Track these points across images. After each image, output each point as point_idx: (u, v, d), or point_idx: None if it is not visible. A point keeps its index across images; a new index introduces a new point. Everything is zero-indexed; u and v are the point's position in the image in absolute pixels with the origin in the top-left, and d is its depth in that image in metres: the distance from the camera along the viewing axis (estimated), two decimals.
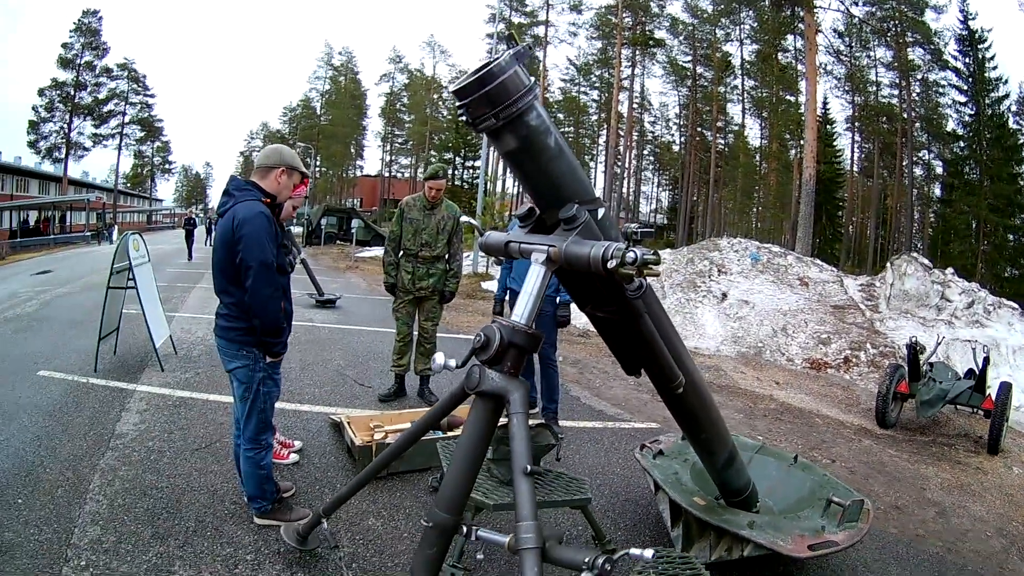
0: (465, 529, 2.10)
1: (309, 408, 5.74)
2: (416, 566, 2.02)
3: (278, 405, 3.81)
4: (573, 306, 3.08)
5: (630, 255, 1.77)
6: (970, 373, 7.12)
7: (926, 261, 13.79)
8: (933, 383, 6.77)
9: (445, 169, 5.99)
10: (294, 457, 4.51)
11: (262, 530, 3.48)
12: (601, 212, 2.09)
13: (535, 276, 2.03)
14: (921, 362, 6.94)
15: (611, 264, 1.79)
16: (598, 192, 56.63)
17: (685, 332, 11.24)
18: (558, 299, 5.35)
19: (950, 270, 13.60)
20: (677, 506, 3.41)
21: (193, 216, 25.26)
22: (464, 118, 1.95)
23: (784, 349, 10.81)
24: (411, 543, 3.47)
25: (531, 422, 3.19)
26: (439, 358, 2.12)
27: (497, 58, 1.85)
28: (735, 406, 7.00)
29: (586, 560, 1.76)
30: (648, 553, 1.80)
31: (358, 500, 3.87)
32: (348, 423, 4.69)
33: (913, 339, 7.04)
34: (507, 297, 5.68)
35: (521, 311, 2.02)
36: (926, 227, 43.68)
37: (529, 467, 1.80)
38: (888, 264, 14.00)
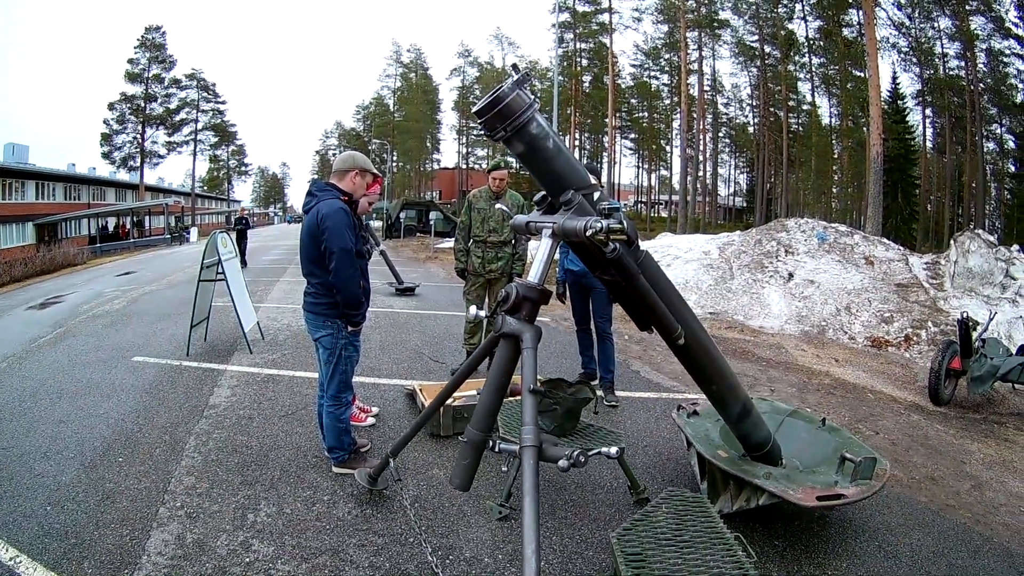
0: (491, 443, 2.63)
1: (387, 381, 6.29)
2: (455, 474, 2.59)
3: (359, 378, 4.41)
4: None
5: (599, 224, 2.32)
6: (1022, 350, 6.88)
7: (990, 238, 13.29)
8: (985, 359, 6.57)
9: (506, 161, 6.42)
10: (371, 420, 5.06)
11: (339, 477, 4.02)
12: (596, 195, 2.65)
13: (544, 246, 2.61)
14: (974, 338, 6.77)
15: (588, 233, 2.34)
16: (675, 176, 56.05)
17: (751, 312, 11.41)
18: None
19: (1015, 247, 13.01)
20: (704, 459, 3.70)
21: (245, 215, 22.06)
22: (484, 131, 2.52)
23: (847, 328, 10.68)
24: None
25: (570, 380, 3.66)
26: (473, 310, 2.87)
27: (502, 87, 2.40)
28: (789, 381, 7.10)
29: (566, 453, 2.34)
30: (613, 450, 2.69)
31: (426, 454, 4.43)
32: (420, 390, 5.27)
33: (964, 314, 6.90)
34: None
35: (533, 272, 2.61)
36: (1003, 204, 41.86)
37: (532, 386, 2.35)
38: (952, 241, 13.61)
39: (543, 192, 2.75)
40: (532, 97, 2.45)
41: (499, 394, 2.58)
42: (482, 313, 2.81)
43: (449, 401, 4.95)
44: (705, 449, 3.71)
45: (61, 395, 5.76)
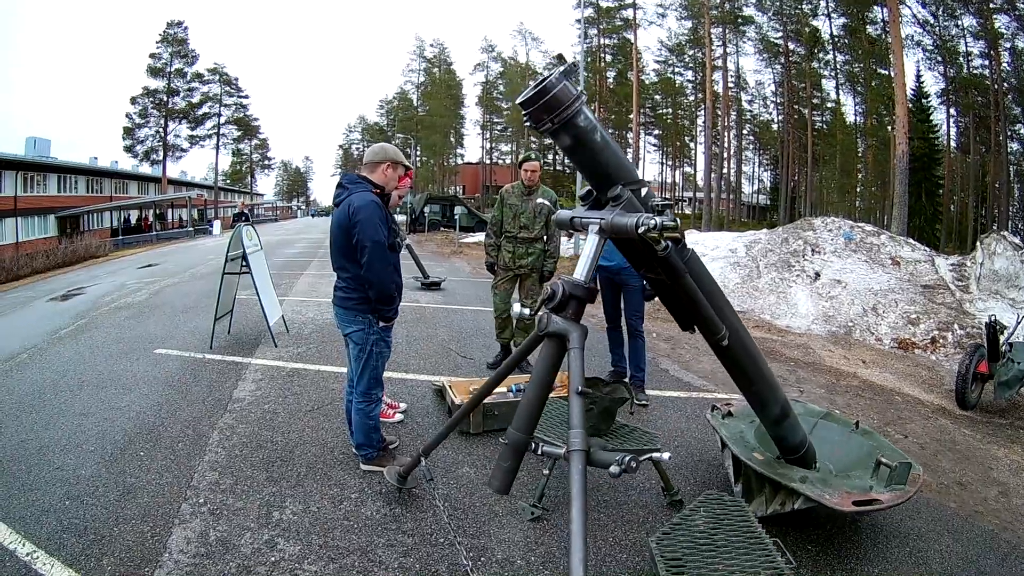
0: (534, 445, 2.55)
1: (415, 376, 6.22)
2: (494, 476, 2.53)
3: (387, 374, 4.29)
4: None
5: (652, 221, 2.24)
6: None
7: (1016, 240, 13.11)
8: (1012, 364, 6.47)
9: (537, 153, 6.38)
10: (399, 416, 5.01)
11: (367, 475, 3.96)
12: (644, 191, 2.58)
13: (591, 243, 2.52)
14: (1001, 342, 6.68)
15: (640, 230, 2.27)
16: (699, 173, 55.79)
17: (778, 311, 11.33)
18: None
19: None
20: (739, 461, 3.66)
21: (245, 211, 20.16)
22: (527, 123, 2.45)
23: (874, 329, 10.58)
24: None
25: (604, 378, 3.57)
26: (516, 307, 2.82)
27: (549, 76, 2.34)
28: (818, 382, 7.01)
29: (618, 458, 2.29)
30: (666, 455, 2.61)
31: (455, 452, 4.35)
32: (450, 386, 5.16)
33: (992, 318, 6.77)
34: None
35: (580, 270, 2.52)
36: None
37: (580, 388, 2.27)
38: (978, 243, 13.44)
39: (588, 187, 2.70)
40: (579, 89, 2.38)
41: (543, 395, 2.51)
42: (526, 311, 2.73)
43: None
44: (741, 451, 3.66)
45: (82, 387, 5.74)
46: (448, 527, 3.32)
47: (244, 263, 7.28)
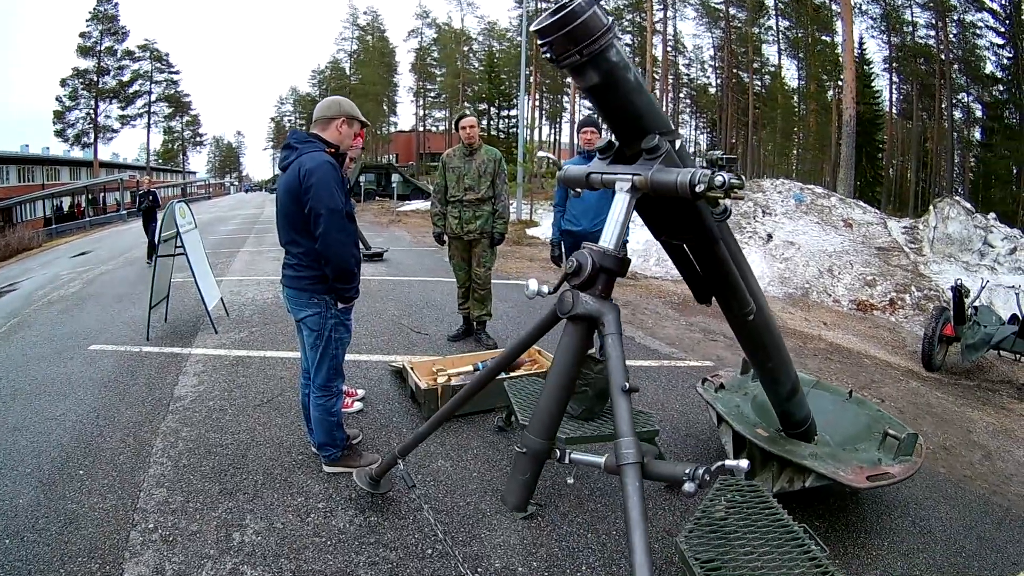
0: (558, 452, 2.12)
1: (368, 358, 5.74)
2: (509, 491, 2.08)
3: None
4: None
5: (718, 179, 1.83)
6: (1013, 319, 7.06)
7: (968, 205, 13.62)
8: (978, 327, 6.76)
9: (472, 109, 6.02)
10: (358, 406, 4.53)
11: (332, 478, 3.48)
12: (679, 143, 2.16)
13: (621, 204, 2.09)
14: (966, 306, 6.93)
15: (699, 188, 1.86)
16: None
17: None
18: None
19: (992, 215, 13.51)
20: (740, 438, 3.45)
21: (153, 189, 14.79)
22: (547, 55, 2.02)
23: (831, 290, 10.80)
24: (480, 483, 3.47)
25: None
26: (532, 284, 2.27)
27: (575, 0, 1.88)
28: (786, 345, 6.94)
29: (687, 472, 1.88)
30: (743, 463, 1.96)
31: (425, 443, 3.85)
32: (411, 368, 4.70)
33: (958, 281, 7.07)
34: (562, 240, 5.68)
35: (609, 237, 2.09)
36: (967, 171, 42.64)
37: (628, 384, 1.86)
38: (931, 207, 13.84)
39: (608, 138, 2.25)
40: (610, 18, 1.95)
41: (565, 393, 2.09)
42: (545, 288, 2.24)
43: (444, 380, 4.51)
44: (743, 428, 3.42)
45: (15, 397, 5.15)
46: (437, 535, 2.91)
47: (179, 244, 6.71)
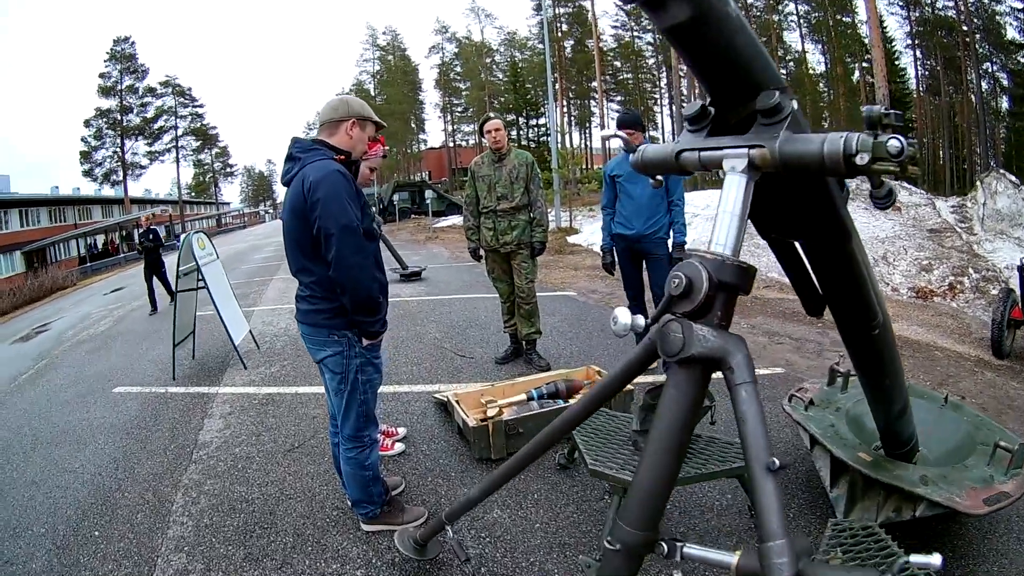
0: (665, 547, 1.50)
1: (409, 388, 5.29)
2: None
3: None
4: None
5: (893, 144, 1.19)
6: None
7: (1014, 178, 12.92)
8: None
9: (496, 112, 5.53)
10: (400, 447, 4.04)
11: (372, 537, 3.03)
12: (795, 102, 1.47)
13: (736, 190, 1.45)
14: None
15: (861, 160, 1.22)
16: (666, 135, 55.68)
17: None
18: (672, 238, 4.98)
19: None
20: (838, 463, 2.98)
21: (154, 228, 12.84)
22: None
23: (888, 279, 10.23)
24: (545, 535, 2.98)
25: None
26: (622, 315, 1.56)
27: None
28: None
29: None
30: (936, 560, 1.22)
31: (473, 486, 3.42)
32: (457, 402, 4.19)
33: (1023, 260, 6.50)
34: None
35: (724, 238, 1.45)
36: (998, 142, 41.40)
37: (776, 461, 1.23)
38: (978, 183, 13.24)
39: (700, 103, 1.58)
40: None
41: (672, 469, 1.47)
42: (640, 320, 1.57)
43: (495, 413, 4.02)
44: (844, 452, 2.94)
45: (36, 446, 4.95)
46: None
47: (199, 277, 6.39)
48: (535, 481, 3.52)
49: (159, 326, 9.54)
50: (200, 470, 4.03)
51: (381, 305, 2.82)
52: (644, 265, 5.12)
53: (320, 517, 3.28)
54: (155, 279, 11.92)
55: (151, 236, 12.18)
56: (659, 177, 1.72)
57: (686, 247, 4.85)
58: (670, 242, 4.98)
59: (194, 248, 6.38)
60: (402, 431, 4.25)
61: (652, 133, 63.79)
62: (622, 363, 1.69)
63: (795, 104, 1.42)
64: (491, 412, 3.99)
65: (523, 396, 4.21)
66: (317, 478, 3.74)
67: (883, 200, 1.35)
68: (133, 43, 56.78)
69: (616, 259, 5.24)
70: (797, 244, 1.83)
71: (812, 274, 1.90)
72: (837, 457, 2.96)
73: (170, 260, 9.22)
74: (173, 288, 11.56)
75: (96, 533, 3.40)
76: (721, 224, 1.46)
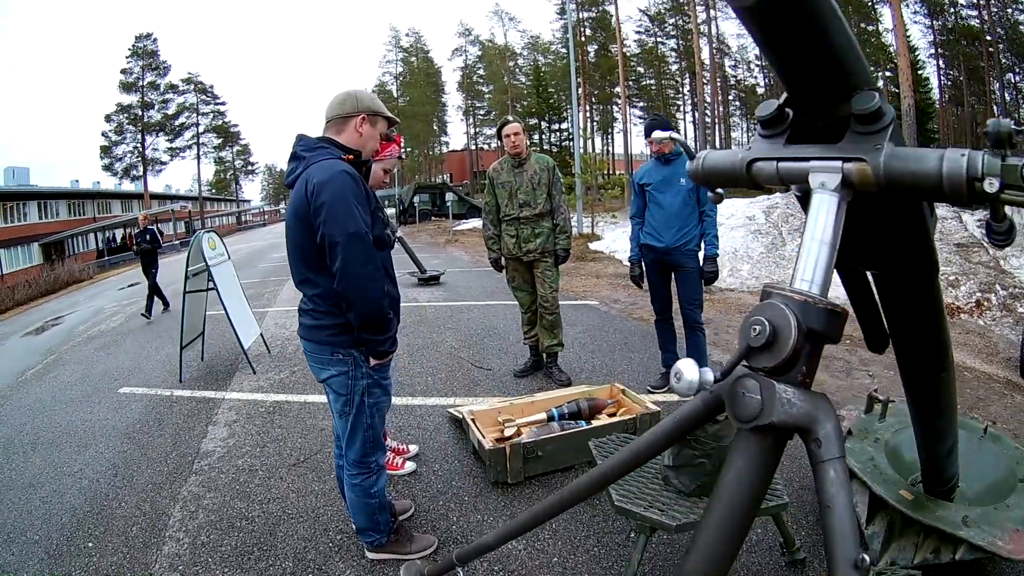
0: None
1: (422, 401, 5.06)
2: None
3: None
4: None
5: None
6: None
7: None
8: None
9: (516, 116, 5.29)
10: (410, 466, 3.81)
11: (377, 567, 2.83)
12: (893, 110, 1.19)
13: (827, 213, 1.16)
14: None
15: (989, 186, 0.97)
16: (688, 141, 55.32)
17: None
18: (703, 250, 4.77)
19: None
20: (876, 500, 2.81)
21: (151, 227, 11.93)
22: None
23: None
24: (562, 572, 2.76)
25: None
26: (688, 371, 1.24)
27: None
28: (883, 362, 6.08)
29: None
30: None
31: (492, 515, 3.21)
32: (473, 420, 3.95)
33: None
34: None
35: (811, 274, 1.16)
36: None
37: (867, 558, 0.95)
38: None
39: (777, 103, 1.27)
40: None
41: (734, 549, 1.17)
42: (709, 376, 1.24)
43: (513, 433, 3.81)
44: (885, 490, 2.75)
45: (36, 446, 4.86)
46: None
47: (208, 278, 6.25)
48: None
49: (170, 324, 9.37)
50: (200, 482, 3.87)
51: (391, 322, 2.57)
52: (673, 276, 4.92)
53: (323, 541, 3.09)
54: (152, 274, 11.32)
55: (148, 237, 11.55)
56: (720, 190, 1.48)
57: (722, 263, 4.65)
58: (701, 254, 4.78)
59: (204, 248, 6.23)
60: (413, 448, 4.04)
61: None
62: (674, 417, 1.42)
63: (893, 111, 1.15)
64: (508, 432, 3.77)
65: (543, 415, 3.96)
66: (321, 496, 3.55)
67: (1003, 237, 1.10)
68: (155, 40, 57.19)
69: (644, 271, 5.04)
70: (868, 274, 1.59)
71: (880, 307, 1.64)
72: (876, 494, 2.78)
73: (183, 255, 9.07)
74: (165, 298, 11.28)
75: (90, 544, 3.28)
76: (809, 255, 1.17)
